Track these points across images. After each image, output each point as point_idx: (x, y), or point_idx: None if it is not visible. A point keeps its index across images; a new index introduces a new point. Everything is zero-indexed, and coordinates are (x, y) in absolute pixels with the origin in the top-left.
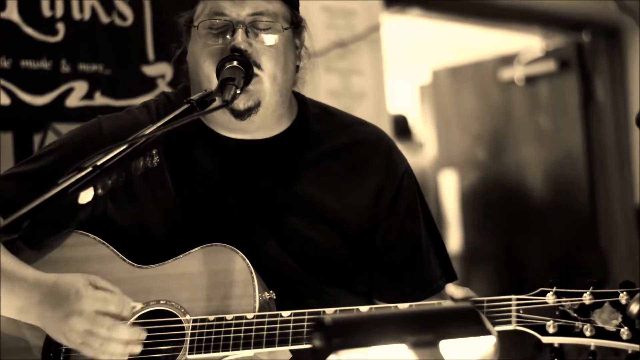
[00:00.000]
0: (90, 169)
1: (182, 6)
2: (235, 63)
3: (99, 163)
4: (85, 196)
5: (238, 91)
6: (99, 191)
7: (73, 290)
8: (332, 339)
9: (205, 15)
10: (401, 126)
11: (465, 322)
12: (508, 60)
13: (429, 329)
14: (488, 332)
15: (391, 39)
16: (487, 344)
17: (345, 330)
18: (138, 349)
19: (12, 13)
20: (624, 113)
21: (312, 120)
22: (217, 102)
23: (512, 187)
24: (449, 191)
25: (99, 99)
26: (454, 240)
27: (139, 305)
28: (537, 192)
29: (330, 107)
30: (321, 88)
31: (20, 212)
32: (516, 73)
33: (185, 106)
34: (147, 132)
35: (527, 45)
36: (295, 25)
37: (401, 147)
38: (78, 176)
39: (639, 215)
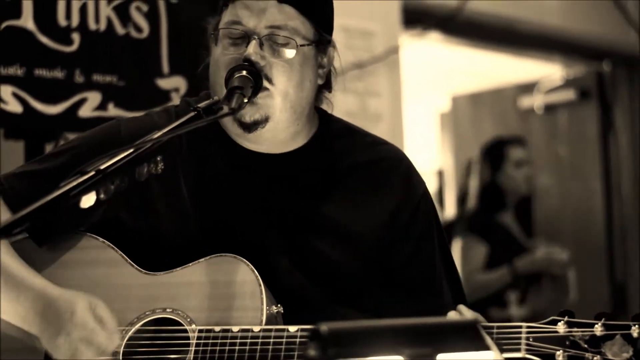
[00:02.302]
0: (92, 172)
1: (211, 13)
2: (244, 72)
3: (102, 167)
4: (87, 200)
5: (245, 100)
6: (102, 196)
7: (69, 310)
8: (327, 349)
9: (225, 23)
10: None
11: (464, 336)
12: (528, 88)
13: (426, 341)
14: (487, 348)
15: (410, 63)
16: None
17: (341, 340)
18: None
19: (27, 21)
20: None
21: (332, 137)
22: (224, 110)
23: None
24: None
25: (112, 110)
26: None
27: (120, 347)
28: (554, 220)
29: (353, 125)
30: (338, 108)
31: (23, 211)
32: (536, 101)
33: (192, 114)
34: (153, 137)
35: (547, 73)
36: (317, 44)
37: None
38: (80, 179)
39: None
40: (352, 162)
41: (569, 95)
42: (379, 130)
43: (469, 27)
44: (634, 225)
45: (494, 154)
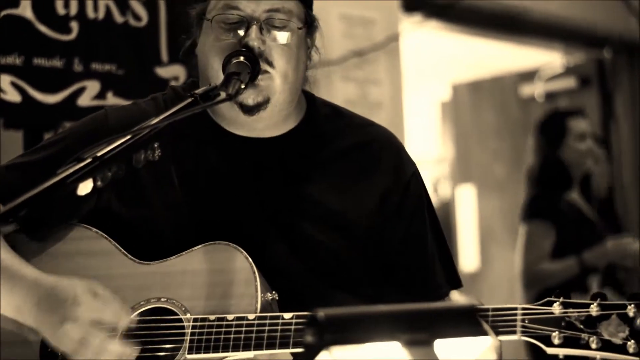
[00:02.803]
0: (89, 159)
1: None
2: (241, 58)
3: (99, 154)
4: (84, 188)
5: (242, 86)
6: (99, 183)
7: (71, 295)
8: (324, 335)
9: (219, 9)
10: None
11: (461, 321)
12: (528, 76)
13: (423, 327)
14: (484, 333)
15: (410, 51)
16: (483, 345)
17: (338, 326)
18: None
19: (26, 10)
20: None
21: (321, 120)
22: (222, 96)
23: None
24: (468, 206)
25: (111, 99)
26: (471, 256)
27: (134, 322)
28: None
29: (341, 107)
30: (338, 96)
31: (17, 200)
32: (536, 89)
33: (189, 100)
34: (150, 124)
35: (547, 61)
36: (309, 25)
37: None
38: (77, 167)
39: None
40: (341, 144)
41: (570, 82)
42: (379, 119)
43: (469, 15)
44: (636, 213)
45: (553, 128)
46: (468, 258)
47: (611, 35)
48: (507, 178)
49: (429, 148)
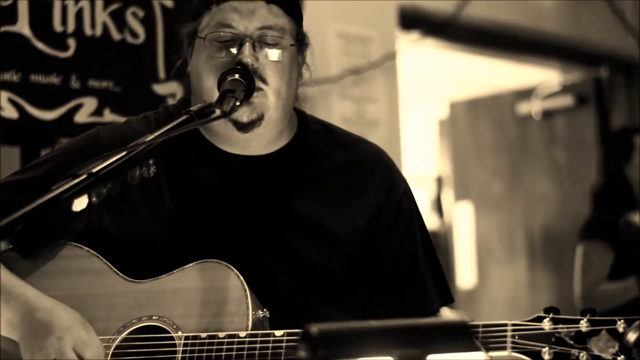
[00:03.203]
0: (85, 175)
1: (187, 17)
2: (236, 76)
3: (94, 170)
4: (79, 204)
5: (237, 103)
6: (94, 199)
7: (66, 327)
8: (317, 350)
9: (211, 27)
10: None
11: (454, 337)
12: (526, 94)
13: (416, 342)
14: (477, 349)
15: (407, 69)
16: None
17: (331, 341)
18: None
19: (23, 27)
20: None
21: (313, 137)
22: (217, 113)
23: (527, 221)
24: (465, 224)
25: (108, 116)
26: (468, 273)
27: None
28: (552, 226)
29: (331, 124)
30: (335, 115)
31: (11, 216)
32: (534, 107)
33: (184, 117)
34: (146, 140)
35: (545, 79)
36: (300, 42)
37: None
38: (72, 182)
39: None
40: (333, 161)
41: (567, 101)
42: (377, 136)
43: (466, 33)
44: None
45: (621, 143)
46: (465, 275)
47: (608, 54)
48: (505, 195)
49: (426, 166)
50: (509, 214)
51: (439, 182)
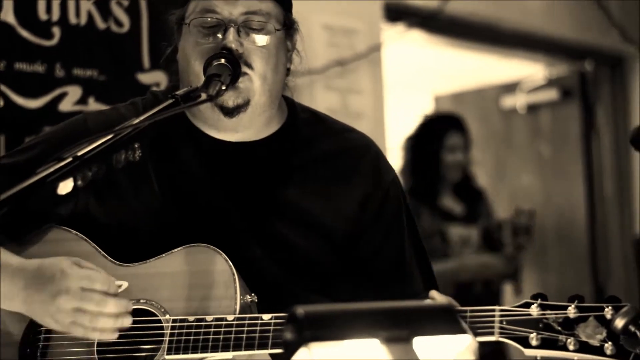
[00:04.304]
0: (70, 158)
1: (175, 5)
2: (222, 60)
3: (79, 154)
4: (65, 187)
5: (223, 87)
6: (79, 182)
7: (58, 270)
8: (303, 332)
9: (196, 13)
10: None
11: (440, 319)
12: (510, 88)
13: (402, 324)
14: (463, 331)
15: (392, 61)
16: (462, 343)
17: (318, 323)
18: (128, 321)
19: (7, 15)
20: (625, 143)
21: (301, 125)
22: (202, 97)
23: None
24: None
25: (93, 105)
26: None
27: (124, 284)
28: (536, 220)
29: (320, 112)
30: (319, 106)
31: None
32: (518, 101)
33: (170, 101)
34: (131, 124)
35: (529, 73)
36: (287, 27)
37: None
38: (57, 165)
39: (638, 246)
40: (321, 149)
41: (552, 94)
42: (361, 128)
43: (452, 26)
44: (616, 225)
45: None
46: None
47: (593, 48)
48: (489, 189)
49: None
50: (494, 207)
51: None
